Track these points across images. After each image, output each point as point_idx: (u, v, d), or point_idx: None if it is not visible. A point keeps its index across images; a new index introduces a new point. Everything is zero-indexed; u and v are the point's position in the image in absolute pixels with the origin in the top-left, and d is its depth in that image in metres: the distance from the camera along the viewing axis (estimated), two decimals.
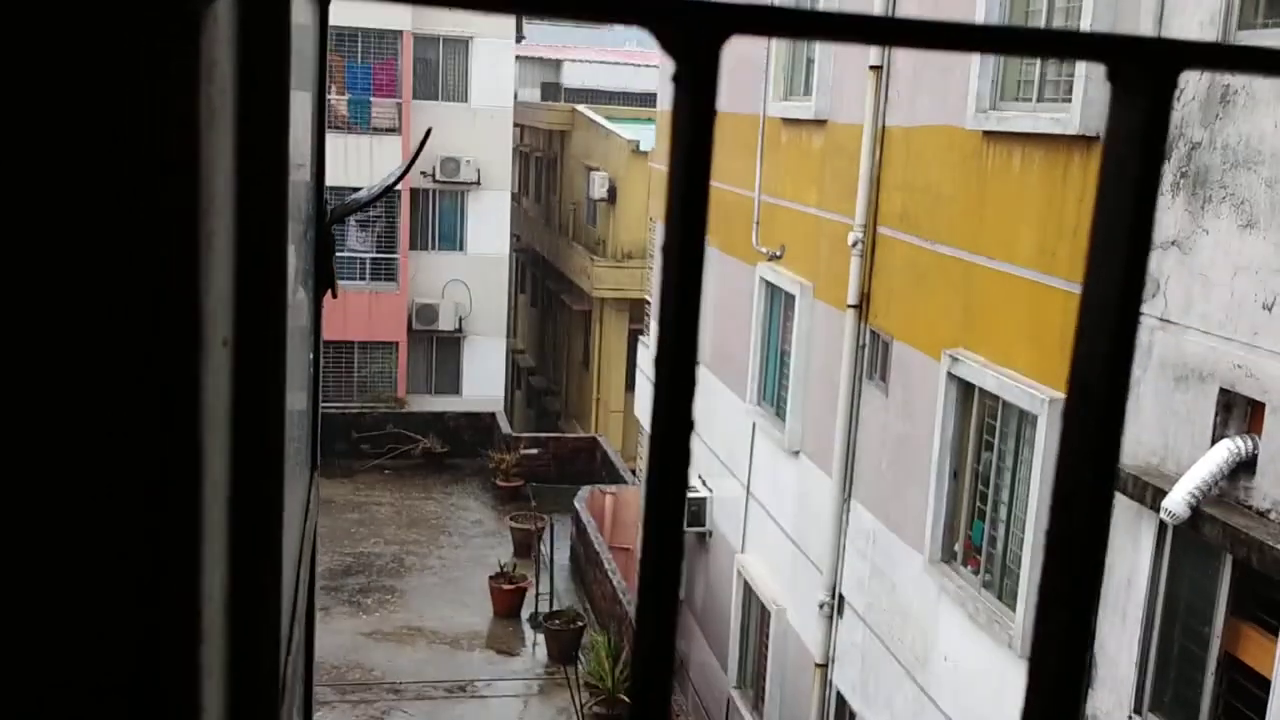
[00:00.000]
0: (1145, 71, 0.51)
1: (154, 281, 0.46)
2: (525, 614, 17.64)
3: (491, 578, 17.89)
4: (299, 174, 1.50)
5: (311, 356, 1.56)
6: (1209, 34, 6.45)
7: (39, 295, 0.45)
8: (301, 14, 1.28)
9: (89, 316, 0.45)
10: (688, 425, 0.49)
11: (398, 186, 24.50)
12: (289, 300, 0.96)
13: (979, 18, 8.52)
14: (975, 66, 8.63)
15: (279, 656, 0.99)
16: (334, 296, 1.63)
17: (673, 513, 0.49)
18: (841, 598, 10.96)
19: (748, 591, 13.28)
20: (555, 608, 17.27)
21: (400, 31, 25.19)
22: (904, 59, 9.93)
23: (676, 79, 0.48)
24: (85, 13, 0.44)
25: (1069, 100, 7.64)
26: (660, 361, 0.49)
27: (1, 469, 0.46)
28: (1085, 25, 7.37)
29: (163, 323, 0.46)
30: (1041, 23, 8.12)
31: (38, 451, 0.46)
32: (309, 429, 1.53)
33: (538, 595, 17.54)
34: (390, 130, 25.31)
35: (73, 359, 0.46)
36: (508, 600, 17.64)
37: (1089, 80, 7.33)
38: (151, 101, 0.44)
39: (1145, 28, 6.85)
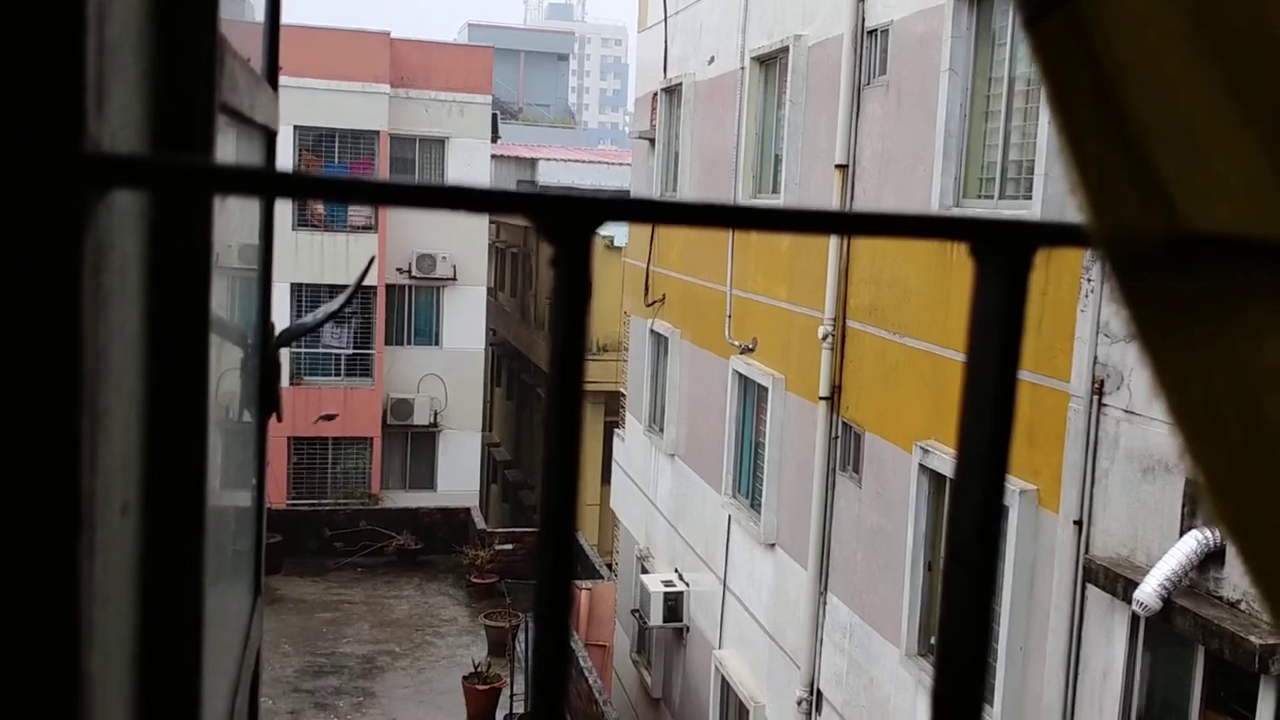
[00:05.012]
0: (1003, 250, 0.53)
1: (25, 464, 0.47)
2: (500, 715, 17.29)
3: (465, 678, 17.57)
4: (244, 295, 1.52)
5: (255, 482, 1.56)
6: None
7: None
8: (247, 151, 1.31)
9: None
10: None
11: (371, 282, 24.60)
12: (215, 433, 0.97)
13: (940, 117, 8.73)
14: (939, 164, 8.82)
15: None
16: (279, 420, 1.65)
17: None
18: (820, 693, 10.82)
19: (725, 688, 13.10)
20: (531, 708, 16.94)
21: (377, 132, 25.53)
22: (869, 159, 10.14)
23: (553, 262, 0.52)
24: None
25: (1029, 198, 7.81)
26: (542, 530, 0.51)
27: None
28: (1043, 124, 7.57)
29: (30, 508, 0.47)
30: (1000, 125, 8.32)
31: None
32: (252, 552, 1.53)
33: (512, 695, 17.23)
34: (366, 228, 25.51)
35: None
36: (482, 701, 17.30)
37: (1049, 178, 7.50)
38: (25, 299, 0.45)
39: None
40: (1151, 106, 0.46)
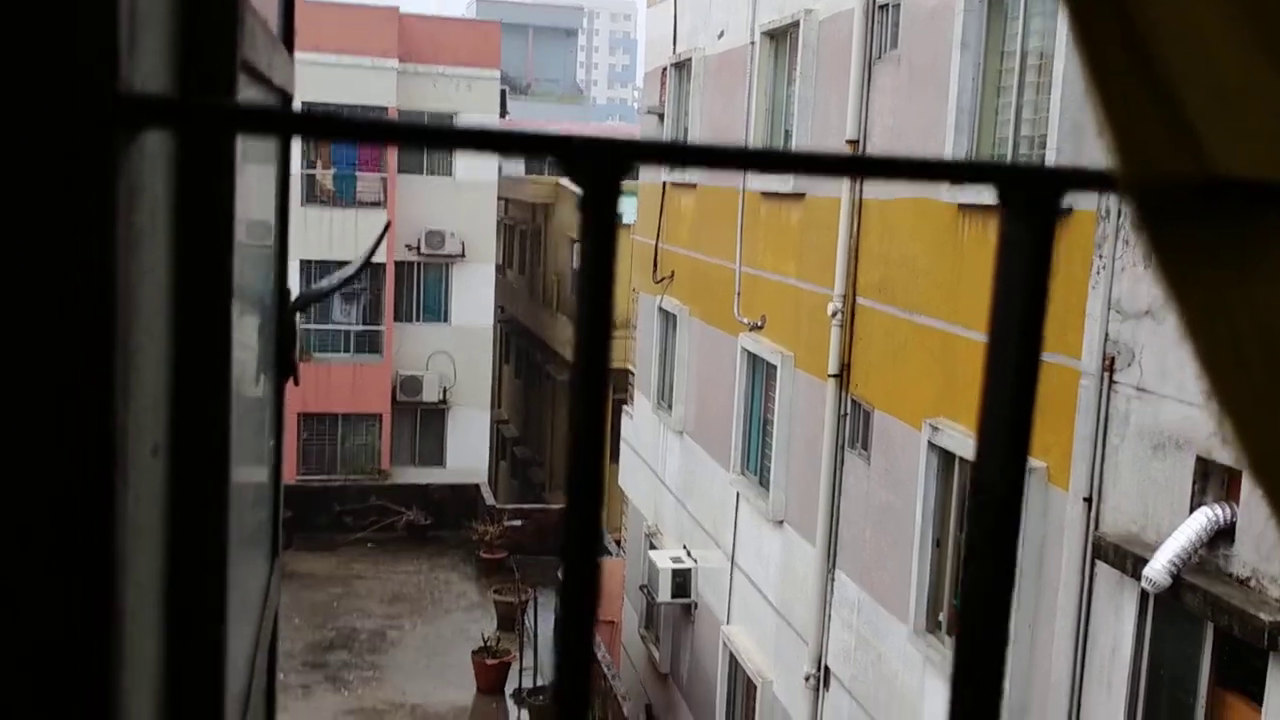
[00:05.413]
0: (1030, 196, 0.53)
1: (62, 398, 0.47)
2: (509, 689, 17.39)
3: (475, 652, 17.67)
4: (260, 263, 1.52)
5: (273, 443, 1.57)
6: None
7: None
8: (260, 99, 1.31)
9: None
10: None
11: (380, 259, 24.61)
12: (235, 396, 0.98)
13: (951, 92, 8.69)
14: (950, 139, 8.77)
15: None
16: (295, 384, 1.65)
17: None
18: (827, 669, 10.86)
19: (733, 664, 13.16)
20: (540, 682, 17.05)
21: (385, 108, 25.48)
22: (880, 134, 10.09)
23: (582, 205, 0.52)
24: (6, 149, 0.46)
25: None
26: (570, 481, 0.51)
27: None
28: (1055, 99, 7.52)
29: (67, 439, 0.47)
30: (1012, 99, 8.28)
31: None
32: (270, 515, 1.54)
33: (521, 670, 17.33)
34: (375, 204, 25.50)
35: None
36: (491, 675, 17.41)
37: (1060, 152, 7.46)
38: (62, 236, 0.46)
39: None
40: (1180, 49, 0.46)
